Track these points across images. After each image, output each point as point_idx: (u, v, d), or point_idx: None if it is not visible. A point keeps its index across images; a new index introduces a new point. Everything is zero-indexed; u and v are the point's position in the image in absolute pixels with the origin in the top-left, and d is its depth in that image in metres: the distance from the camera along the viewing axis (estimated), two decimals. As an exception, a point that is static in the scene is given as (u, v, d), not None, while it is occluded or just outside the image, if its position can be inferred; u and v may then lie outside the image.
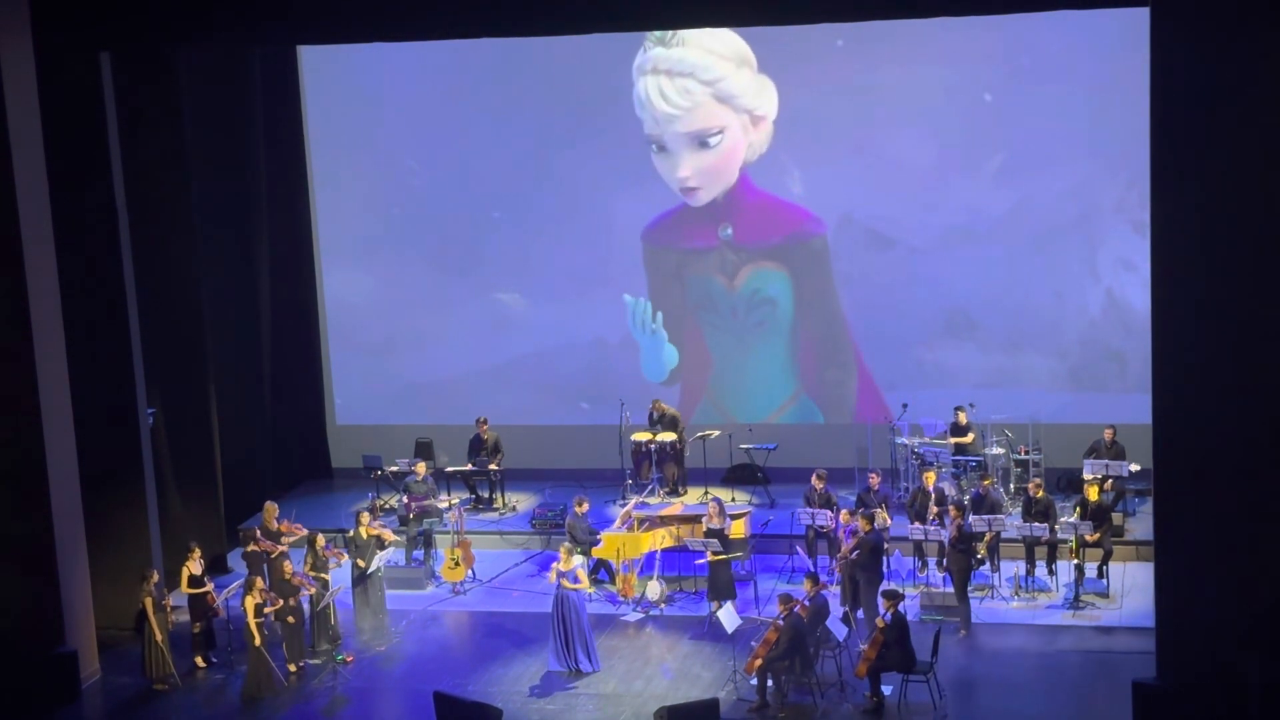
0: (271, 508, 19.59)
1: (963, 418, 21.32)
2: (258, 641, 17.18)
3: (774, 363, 23.12)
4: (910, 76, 21.75)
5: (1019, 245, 21.99)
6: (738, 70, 22.33)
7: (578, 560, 17.91)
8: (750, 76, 22.35)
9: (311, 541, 18.67)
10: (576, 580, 17.55)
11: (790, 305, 22.92)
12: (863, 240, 22.48)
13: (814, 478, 19.95)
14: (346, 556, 19.07)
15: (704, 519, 19.30)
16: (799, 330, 22.97)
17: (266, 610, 17.36)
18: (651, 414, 22.42)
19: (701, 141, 22.67)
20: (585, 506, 19.98)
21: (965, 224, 22.05)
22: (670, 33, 22.22)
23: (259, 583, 17.58)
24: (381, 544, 19.00)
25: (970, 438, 21.26)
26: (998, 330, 22.30)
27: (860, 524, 18.18)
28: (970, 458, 21.07)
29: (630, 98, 22.74)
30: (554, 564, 17.74)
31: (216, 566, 20.31)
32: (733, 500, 21.54)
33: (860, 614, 17.97)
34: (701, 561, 18.90)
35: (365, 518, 19.03)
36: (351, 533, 19.05)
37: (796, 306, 22.88)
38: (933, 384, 22.37)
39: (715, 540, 18.73)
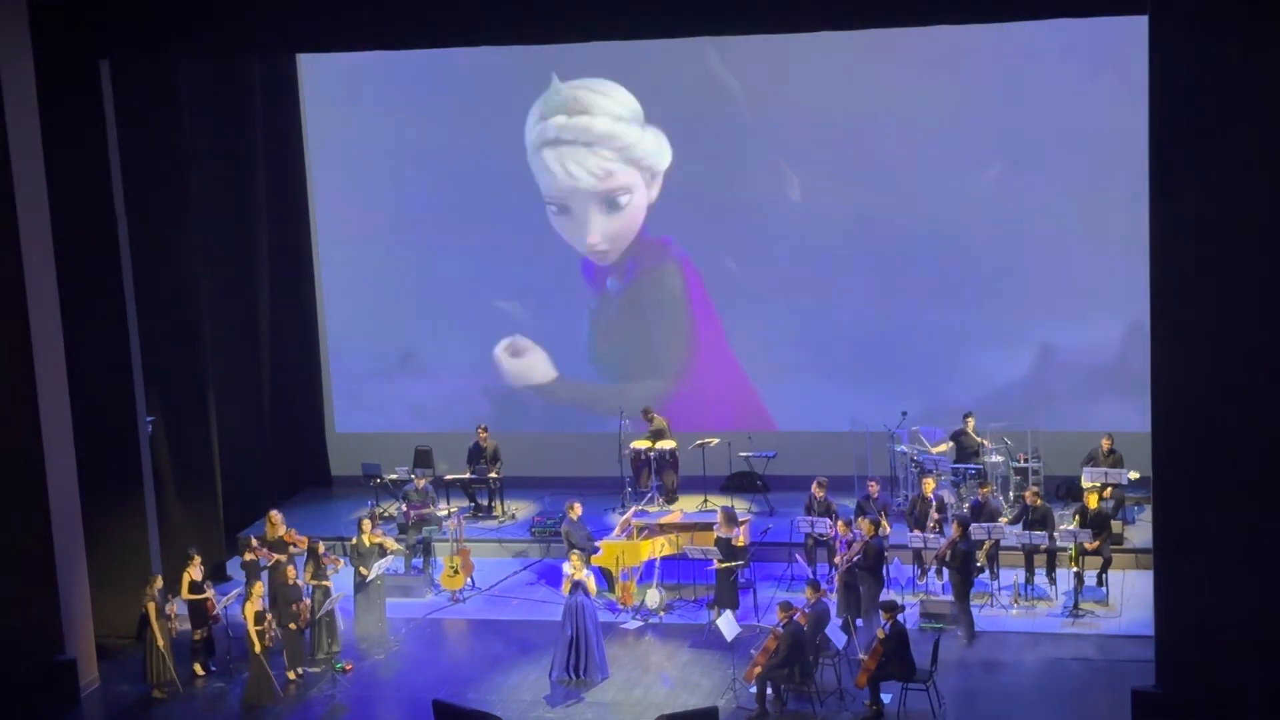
0: (276, 516, 19.58)
1: (971, 424, 21.29)
2: (258, 649, 17.16)
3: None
4: (904, 82, 21.77)
5: (1017, 246, 21.97)
6: (642, 130, 22.53)
7: (588, 569, 17.94)
8: (650, 134, 22.55)
9: (313, 550, 18.65)
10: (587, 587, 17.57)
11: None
12: (857, 246, 22.49)
13: (814, 485, 19.94)
14: (343, 564, 19.07)
15: (715, 526, 19.27)
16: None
17: (267, 618, 17.34)
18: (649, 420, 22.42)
19: (611, 203, 22.79)
20: (578, 510, 19.82)
21: (964, 224, 22.04)
22: (573, 98, 22.41)
23: (258, 589, 17.56)
24: (384, 551, 19.00)
25: (987, 441, 21.22)
26: (996, 334, 22.27)
27: (864, 528, 18.16)
28: (969, 465, 21.06)
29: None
30: (566, 574, 17.73)
31: (216, 574, 20.31)
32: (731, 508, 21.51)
33: (860, 622, 17.96)
34: (712, 569, 18.89)
35: (367, 525, 19.03)
36: (355, 540, 19.04)
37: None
38: (932, 388, 22.35)
39: (715, 549, 18.71)
